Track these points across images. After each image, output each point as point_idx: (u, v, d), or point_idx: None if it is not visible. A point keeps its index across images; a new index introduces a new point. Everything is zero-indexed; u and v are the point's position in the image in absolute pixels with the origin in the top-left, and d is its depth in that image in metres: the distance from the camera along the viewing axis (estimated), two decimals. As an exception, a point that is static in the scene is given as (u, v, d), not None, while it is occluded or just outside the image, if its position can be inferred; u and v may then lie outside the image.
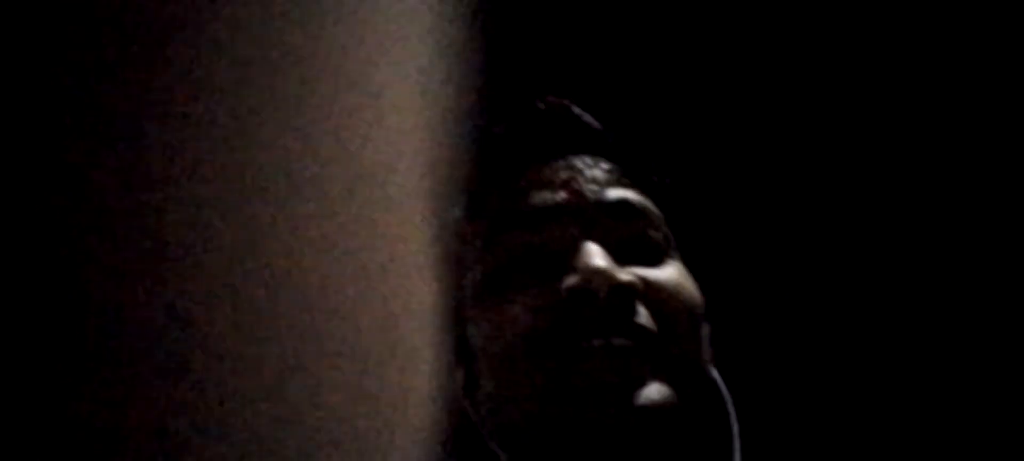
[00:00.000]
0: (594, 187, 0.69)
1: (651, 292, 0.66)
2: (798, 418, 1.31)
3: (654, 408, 0.62)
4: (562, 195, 0.69)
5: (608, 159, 0.73)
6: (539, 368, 0.64)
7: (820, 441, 1.33)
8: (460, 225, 0.74)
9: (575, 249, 0.66)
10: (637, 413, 0.61)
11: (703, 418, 0.67)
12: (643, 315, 0.64)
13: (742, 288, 1.27)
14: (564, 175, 0.70)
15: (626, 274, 0.64)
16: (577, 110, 0.75)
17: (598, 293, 0.63)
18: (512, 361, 0.65)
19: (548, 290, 0.65)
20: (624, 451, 0.62)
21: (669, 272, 0.68)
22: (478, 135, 0.75)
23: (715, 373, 0.70)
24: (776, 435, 1.10)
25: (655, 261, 0.68)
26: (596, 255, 0.64)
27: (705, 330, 0.70)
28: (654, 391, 0.62)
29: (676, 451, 0.65)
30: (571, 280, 0.64)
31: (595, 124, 0.74)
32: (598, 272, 0.63)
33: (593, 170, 0.71)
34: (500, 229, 0.69)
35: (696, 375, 0.67)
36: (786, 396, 1.32)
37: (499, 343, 0.66)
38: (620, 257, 0.66)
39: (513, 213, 0.69)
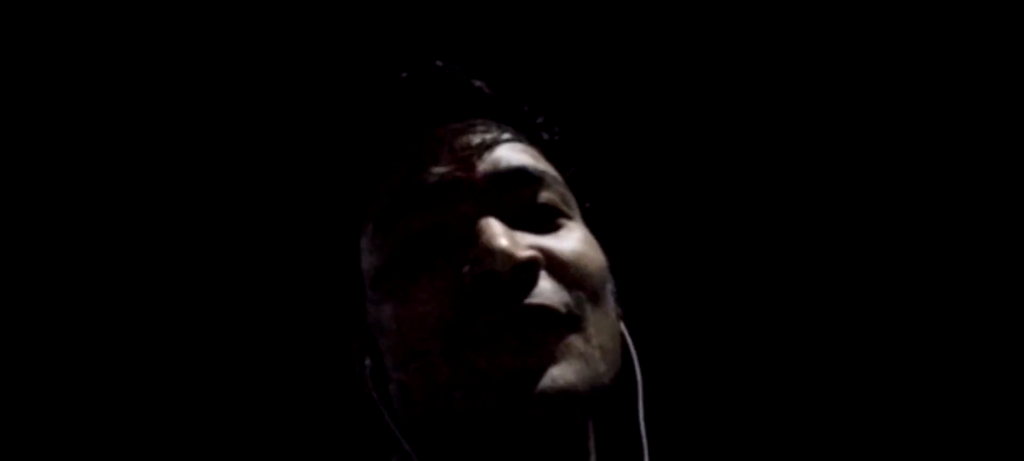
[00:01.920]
0: (485, 155, 0.66)
1: (553, 262, 0.63)
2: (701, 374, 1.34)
3: (565, 390, 0.60)
4: (452, 167, 0.66)
5: (497, 121, 0.70)
6: (449, 360, 0.62)
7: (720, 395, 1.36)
8: (347, 210, 0.71)
9: (473, 227, 0.63)
10: (548, 397, 0.59)
11: (613, 379, 0.65)
12: (548, 288, 0.62)
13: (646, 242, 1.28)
14: (453, 146, 0.67)
15: (527, 250, 0.62)
16: (457, 70, 0.71)
17: (501, 274, 0.61)
18: (422, 353, 0.63)
19: (451, 275, 0.63)
20: (539, 437, 0.61)
21: (570, 238, 0.66)
22: (355, 109, 0.73)
23: (623, 327, 0.69)
24: (679, 386, 1.11)
25: (554, 226, 0.66)
26: (497, 234, 0.61)
27: (610, 287, 0.68)
28: (566, 372, 0.61)
29: (586, 423, 0.65)
30: (471, 266, 0.62)
31: (479, 83, 0.71)
32: (499, 252, 0.60)
33: (482, 135, 0.67)
34: (393, 212, 0.66)
35: (605, 338, 0.65)
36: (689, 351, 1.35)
37: (407, 335, 0.63)
38: (519, 226, 0.64)
39: (404, 194, 0.66)
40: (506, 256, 0.60)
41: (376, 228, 0.67)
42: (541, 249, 0.63)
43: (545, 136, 0.72)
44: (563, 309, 0.62)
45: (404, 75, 0.71)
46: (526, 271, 0.61)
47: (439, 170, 0.65)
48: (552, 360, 0.60)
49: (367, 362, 0.69)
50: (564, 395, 0.60)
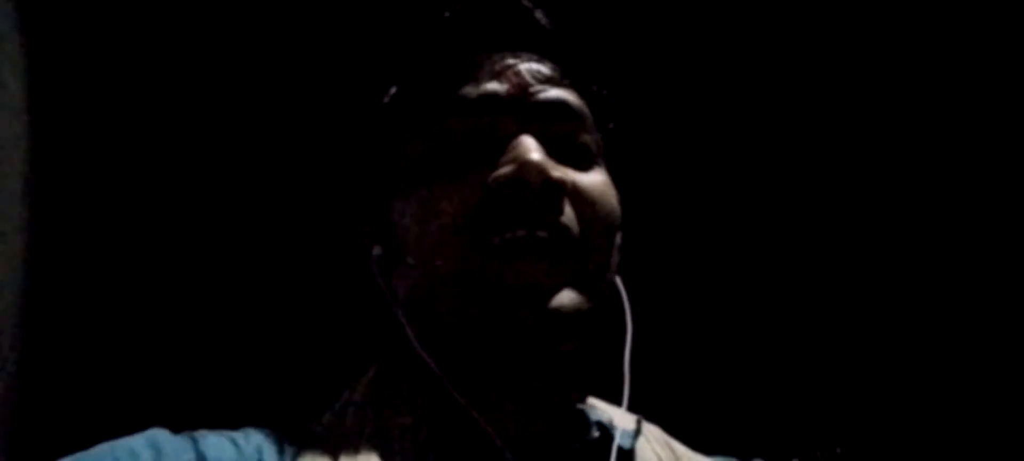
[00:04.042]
0: (536, 84, 0.70)
1: (577, 194, 0.68)
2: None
3: (565, 313, 0.64)
4: (505, 86, 0.70)
5: (553, 60, 0.73)
6: (465, 258, 0.65)
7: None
8: (393, 104, 0.75)
9: (511, 140, 0.67)
10: (550, 315, 0.64)
11: (603, 319, 0.70)
12: (568, 214, 0.67)
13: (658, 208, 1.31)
14: (508, 67, 0.71)
15: (558, 171, 0.66)
16: (528, 5, 0.75)
17: (531, 184, 0.65)
18: (441, 246, 0.66)
19: (482, 177, 0.67)
20: (533, 347, 0.65)
21: (596, 178, 0.70)
22: (420, 17, 0.76)
23: (618, 280, 0.74)
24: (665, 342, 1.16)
25: (584, 164, 0.70)
26: (532, 149, 0.66)
27: (618, 238, 0.73)
28: (567, 297, 0.65)
29: (578, 350, 0.68)
30: (506, 169, 0.66)
31: (545, 23, 0.75)
32: (533, 165, 0.65)
33: (537, 67, 0.71)
34: (439, 113, 0.70)
35: (605, 280, 0.70)
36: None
37: (429, 226, 0.67)
38: (552, 155, 0.68)
39: (454, 99, 0.70)
40: (539, 169, 0.65)
41: (421, 126, 0.70)
42: (570, 178, 0.68)
43: (594, 88, 0.76)
44: (579, 237, 0.67)
45: None
46: (554, 191, 0.66)
47: (493, 86, 0.70)
48: (562, 282, 0.65)
49: (376, 251, 0.73)
50: (571, 315, 0.64)
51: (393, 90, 0.76)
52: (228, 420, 0.70)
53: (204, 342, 1.27)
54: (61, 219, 1.25)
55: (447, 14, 0.74)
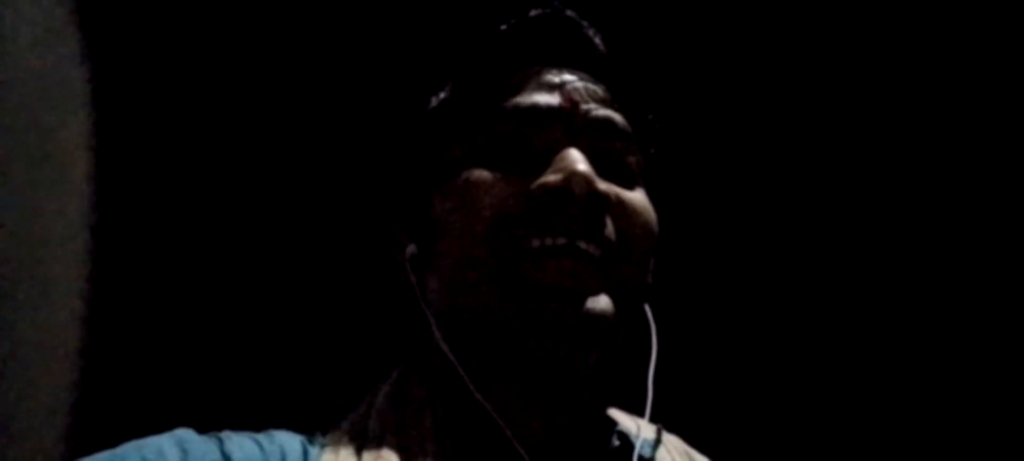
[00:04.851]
0: (588, 101, 0.72)
1: (620, 209, 0.69)
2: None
3: (597, 316, 0.65)
4: (557, 100, 0.72)
5: (604, 82, 0.75)
6: (501, 256, 0.67)
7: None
8: (442, 107, 0.77)
9: (559, 151, 0.69)
10: (582, 318, 0.65)
11: (631, 336, 0.72)
12: (610, 228, 0.68)
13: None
14: (563, 83, 0.73)
15: (604, 185, 0.68)
16: (588, 27, 0.77)
17: (576, 194, 0.66)
18: (478, 242, 0.68)
19: (526, 182, 0.68)
20: (561, 346, 0.66)
21: (638, 196, 0.72)
22: (480, 27, 0.77)
23: (646, 304, 0.75)
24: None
25: (627, 183, 0.72)
26: (580, 160, 0.68)
27: (652, 260, 0.74)
28: (602, 302, 0.66)
29: (603, 359, 0.69)
30: (553, 177, 0.67)
31: (600, 46, 0.77)
32: (581, 175, 0.66)
33: (590, 86, 0.74)
34: (490, 118, 0.72)
35: (636, 297, 0.71)
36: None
37: (468, 222, 0.68)
38: (598, 170, 0.69)
39: (507, 106, 0.72)
40: (586, 180, 0.67)
41: (470, 129, 0.72)
42: (614, 193, 0.69)
43: (640, 113, 0.78)
44: (617, 251, 0.68)
45: (538, 13, 0.76)
46: (598, 203, 0.67)
47: (546, 98, 0.72)
48: (597, 288, 0.66)
49: (410, 249, 0.75)
50: (602, 320, 0.66)
51: (443, 94, 0.79)
52: (255, 422, 0.71)
53: (231, 344, 1.30)
54: (125, 224, 1.30)
55: (504, 27, 0.77)
